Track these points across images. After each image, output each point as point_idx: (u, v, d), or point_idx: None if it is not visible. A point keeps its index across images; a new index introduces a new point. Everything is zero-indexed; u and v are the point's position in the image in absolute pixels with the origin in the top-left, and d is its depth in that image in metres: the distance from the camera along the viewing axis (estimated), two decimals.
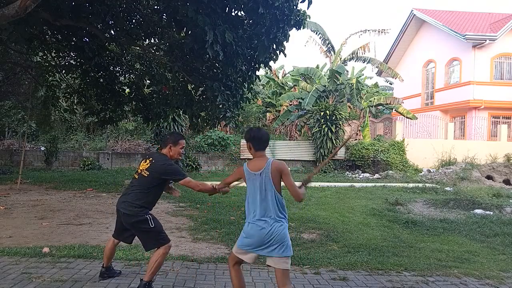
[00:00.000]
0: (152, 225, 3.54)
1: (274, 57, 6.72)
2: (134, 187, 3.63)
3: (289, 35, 6.36)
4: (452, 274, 4.45)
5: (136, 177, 3.67)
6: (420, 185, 12.25)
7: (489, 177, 14.19)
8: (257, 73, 7.75)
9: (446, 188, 11.75)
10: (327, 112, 15.72)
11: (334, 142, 15.84)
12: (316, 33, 19.91)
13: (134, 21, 8.11)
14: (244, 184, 3.19)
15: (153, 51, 8.87)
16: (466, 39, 18.53)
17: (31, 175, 13.10)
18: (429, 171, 15.74)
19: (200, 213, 7.56)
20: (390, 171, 15.68)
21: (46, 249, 4.73)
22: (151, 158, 3.68)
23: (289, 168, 3.01)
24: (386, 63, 22.53)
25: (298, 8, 6.09)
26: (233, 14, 6.32)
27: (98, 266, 4.28)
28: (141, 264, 4.40)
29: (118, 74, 9.38)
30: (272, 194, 2.91)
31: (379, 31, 19.66)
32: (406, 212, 8.07)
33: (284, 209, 2.97)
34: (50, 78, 10.35)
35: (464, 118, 20.42)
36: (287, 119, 19.02)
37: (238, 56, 6.31)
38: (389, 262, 4.78)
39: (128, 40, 8.11)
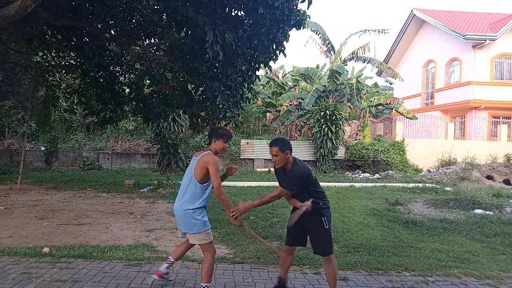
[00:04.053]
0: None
1: (274, 57, 6.71)
2: None
3: (289, 35, 6.35)
4: (452, 274, 4.45)
5: None
6: (420, 185, 12.25)
7: (489, 177, 14.20)
8: (257, 73, 7.73)
9: (446, 188, 11.75)
10: (327, 112, 15.72)
11: (334, 142, 15.84)
12: (316, 33, 19.90)
13: (134, 21, 8.10)
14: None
15: (153, 51, 8.86)
16: (466, 39, 18.53)
17: (31, 175, 13.11)
18: (429, 171, 15.74)
19: None
20: (390, 171, 15.68)
21: (46, 249, 4.73)
22: None
23: (213, 162, 3.40)
24: (386, 63, 22.51)
25: (298, 8, 6.08)
26: (233, 14, 6.31)
27: (98, 266, 4.29)
28: (141, 264, 4.39)
29: (118, 74, 9.36)
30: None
31: (379, 31, 19.63)
32: (406, 212, 8.07)
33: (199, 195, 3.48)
34: (50, 78, 10.34)
35: (464, 118, 20.42)
36: (287, 119, 19.00)
37: (238, 56, 6.30)
38: (389, 262, 4.78)
39: (128, 40, 8.11)
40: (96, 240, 5.42)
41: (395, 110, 19.84)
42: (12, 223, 6.29)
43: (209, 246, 3.50)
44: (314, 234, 3.52)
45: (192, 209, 3.42)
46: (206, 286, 3.42)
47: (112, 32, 8.26)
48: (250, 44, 6.60)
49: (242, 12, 6.31)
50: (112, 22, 7.73)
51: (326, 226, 3.45)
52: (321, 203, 3.49)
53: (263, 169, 16.26)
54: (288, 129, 20.71)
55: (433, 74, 22.32)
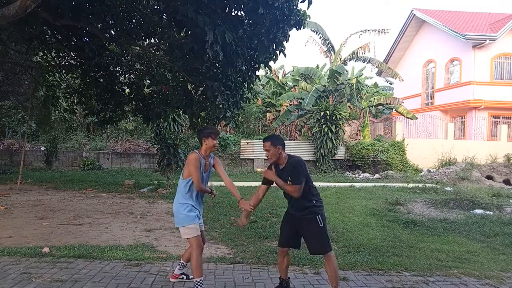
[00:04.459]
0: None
1: (274, 57, 6.71)
2: None
3: (289, 35, 6.35)
4: (452, 274, 4.45)
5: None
6: (420, 185, 12.25)
7: (489, 177, 14.20)
8: (257, 73, 7.73)
9: (446, 188, 11.75)
10: (327, 112, 15.72)
11: (334, 142, 15.84)
12: (316, 33, 19.90)
13: (134, 21, 8.10)
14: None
15: (153, 51, 8.86)
16: (466, 39, 18.53)
17: (31, 175, 13.11)
18: (429, 171, 15.74)
19: None
20: (390, 171, 15.68)
21: (46, 249, 4.73)
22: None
23: (191, 160, 3.58)
24: (386, 63, 22.52)
25: (298, 8, 6.08)
26: (233, 14, 6.32)
27: (98, 266, 4.29)
28: (141, 264, 4.39)
29: (118, 74, 9.36)
30: None
31: (379, 31, 19.64)
32: (406, 212, 8.07)
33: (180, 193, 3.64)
34: (50, 78, 10.34)
35: (464, 118, 20.42)
36: (287, 119, 19.02)
37: (238, 56, 6.30)
38: (389, 262, 4.78)
39: (128, 40, 8.10)
40: (96, 240, 5.41)
41: (395, 110, 19.86)
42: (12, 223, 6.29)
43: (193, 241, 3.55)
44: (310, 234, 3.49)
45: (179, 203, 3.63)
46: (198, 281, 3.48)
47: (112, 32, 8.26)
48: (250, 44, 6.60)
49: (242, 12, 6.31)
50: (112, 22, 7.73)
51: (321, 224, 3.45)
52: (314, 201, 3.50)
53: (263, 169, 16.25)
54: (288, 129, 20.73)
55: (433, 74, 22.32)
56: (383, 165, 16.28)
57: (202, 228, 3.79)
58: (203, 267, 3.64)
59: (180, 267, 3.96)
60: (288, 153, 3.65)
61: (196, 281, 3.48)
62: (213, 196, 3.85)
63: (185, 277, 3.96)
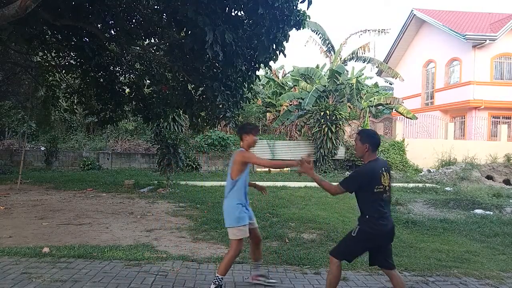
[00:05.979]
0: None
1: (274, 57, 6.71)
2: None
3: (289, 36, 6.36)
4: (452, 274, 4.45)
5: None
6: (420, 185, 12.26)
7: (489, 177, 14.21)
8: (257, 73, 7.74)
9: (446, 188, 11.76)
10: (327, 112, 15.72)
11: (334, 142, 15.84)
12: (316, 33, 19.91)
13: (134, 21, 8.10)
14: None
15: (153, 51, 8.86)
16: (466, 39, 18.53)
17: (31, 175, 13.10)
18: (429, 171, 15.75)
19: (200, 213, 7.56)
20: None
21: (46, 249, 4.73)
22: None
23: (243, 154, 3.70)
24: (386, 63, 22.52)
25: (298, 9, 6.09)
26: (233, 14, 6.32)
27: (98, 266, 4.29)
28: (141, 264, 4.39)
29: (118, 74, 9.36)
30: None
31: (379, 31, 19.65)
32: (406, 212, 8.07)
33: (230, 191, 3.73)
34: (50, 78, 10.34)
35: (464, 118, 20.42)
36: (287, 119, 19.02)
37: (238, 56, 6.30)
38: None
39: (128, 40, 8.10)
40: (96, 240, 5.42)
41: (395, 110, 19.86)
42: (12, 223, 6.29)
43: (236, 243, 3.68)
44: None
45: (233, 204, 3.70)
46: (218, 277, 3.62)
47: (112, 32, 8.25)
48: (250, 44, 6.60)
49: (242, 12, 6.31)
50: (112, 22, 7.72)
51: (353, 234, 3.26)
52: (367, 216, 3.24)
53: (263, 169, 16.25)
54: (288, 129, 20.73)
55: (433, 74, 22.32)
56: None
57: (255, 225, 3.94)
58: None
59: (256, 267, 4.04)
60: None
61: (218, 276, 3.62)
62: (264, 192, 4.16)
63: (264, 279, 3.98)
